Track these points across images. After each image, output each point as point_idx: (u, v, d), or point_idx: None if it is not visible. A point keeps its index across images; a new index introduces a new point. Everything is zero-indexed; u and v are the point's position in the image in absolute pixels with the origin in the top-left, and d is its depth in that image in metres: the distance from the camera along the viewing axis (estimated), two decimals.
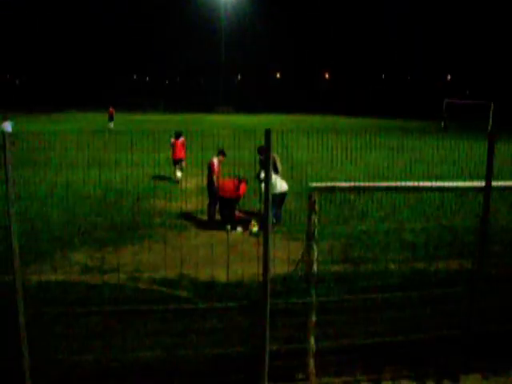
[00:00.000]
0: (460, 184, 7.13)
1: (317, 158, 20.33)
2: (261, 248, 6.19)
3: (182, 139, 21.87)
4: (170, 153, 22.03)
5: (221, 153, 15.39)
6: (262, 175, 14.17)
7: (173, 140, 21.86)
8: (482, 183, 6.85)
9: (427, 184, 6.98)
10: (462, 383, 6.92)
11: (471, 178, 15.58)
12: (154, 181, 20.43)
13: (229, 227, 14.04)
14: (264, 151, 14.83)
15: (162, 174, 21.73)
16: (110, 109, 52.39)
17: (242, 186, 14.50)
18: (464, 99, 64.59)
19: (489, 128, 52.93)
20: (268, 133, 5.97)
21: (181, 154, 21.66)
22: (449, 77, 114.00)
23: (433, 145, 28.42)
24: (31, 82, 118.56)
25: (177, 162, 21.67)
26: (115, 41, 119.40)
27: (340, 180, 18.81)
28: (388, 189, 6.88)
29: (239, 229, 14.09)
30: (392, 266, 10.33)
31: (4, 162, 5.68)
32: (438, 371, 7.07)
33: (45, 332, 7.18)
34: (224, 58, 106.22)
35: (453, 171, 21.49)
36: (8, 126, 29.17)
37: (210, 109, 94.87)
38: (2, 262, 9.92)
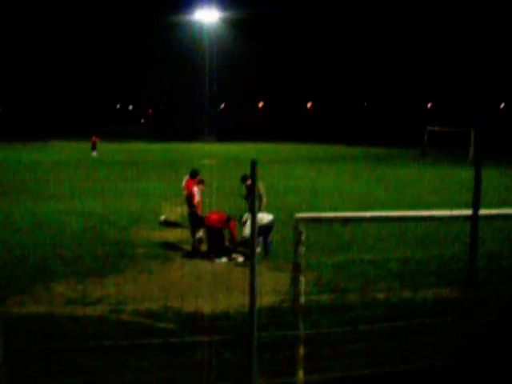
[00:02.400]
0: (446, 213, 7.12)
1: (301, 186, 20.36)
2: (246, 278, 6.10)
3: (197, 179, 15.54)
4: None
5: (200, 182, 15.30)
6: (244, 218, 14.15)
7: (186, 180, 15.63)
8: (469, 211, 6.84)
9: (413, 213, 6.98)
10: None
11: (455, 206, 15.69)
12: (137, 209, 20.20)
13: (216, 258, 13.92)
14: (247, 179, 14.88)
15: (146, 203, 21.55)
16: (93, 138, 52.27)
17: (232, 224, 14.35)
18: (444, 126, 65.17)
19: (470, 155, 53.54)
20: (254, 164, 5.93)
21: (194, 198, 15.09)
22: (429, 105, 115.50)
23: (414, 172, 28.73)
24: (11, 111, 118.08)
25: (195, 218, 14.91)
26: (97, 69, 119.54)
27: (324, 208, 18.85)
28: (373, 219, 6.86)
29: (224, 259, 13.98)
30: (379, 296, 10.27)
31: None
32: None
33: (26, 369, 7.00)
34: (207, 88, 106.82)
35: (436, 199, 21.67)
36: None
37: (193, 137, 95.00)
38: None
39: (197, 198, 14.83)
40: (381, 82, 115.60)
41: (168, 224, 17.66)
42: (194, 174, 15.49)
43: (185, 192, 15.27)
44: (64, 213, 18.46)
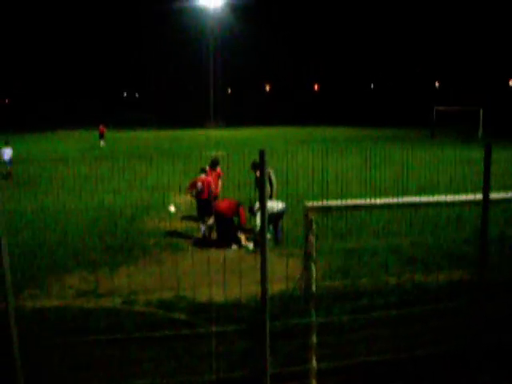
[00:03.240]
0: (457, 198, 7.06)
1: (310, 170, 20.24)
2: (258, 266, 6.09)
3: (218, 170, 16.35)
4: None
5: (203, 171, 15.39)
6: (256, 207, 14.13)
7: (207, 170, 15.78)
8: (479, 196, 6.78)
9: (424, 199, 6.92)
10: None
11: (466, 187, 15.59)
12: (146, 200, 20.21)
13: (226, 246, 13.94)
14: (257, 167, 14.84)
15: (155, 193, 21.56)
16: (101, 127, 52.26)
17: (242, 211, 14.37)
18: (452, 106, 64.73)
19: (479, 134, 53.22)
20: (262, 153, 5.89)
21: (228, 199, 15.56)
22: (437, 84, 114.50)
23: (423, 154, 28.50)
24: (20, 101, 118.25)
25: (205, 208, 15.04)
26: (104, 57, 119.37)
27: (335, 193, 18.79)
28: (384, 206, 6.82)
29: (234, 246, 13.99)
30: (392, 281, 10.25)
31: None
32: None
33: (40, 362, 7.04)
34: (213, 72, 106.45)
35: (446, 181, 21.52)
36: (6, 154, 28.91)
37: (201, 123, 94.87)
38: None
39: (214, 187, 15.01)
40: (387, 61, 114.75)
41: (177, 214, 17.66)
42: (214, 164, 16.08)
43: (199, 182, 15.10)
44: (73, 205, 18.48)
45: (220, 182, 16.51)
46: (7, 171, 28.16)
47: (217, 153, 32.51)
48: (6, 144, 29.57)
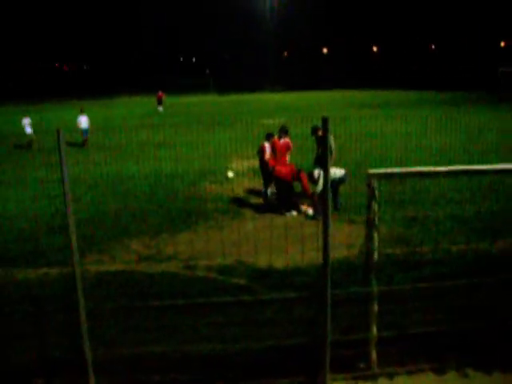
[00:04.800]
0: None
1: (370, 135, 19.93)
2: (318, 232, 6.06)
3: (285, 141, 15.24)
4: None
5: (270, 136, 15.23)
6: (316, 173, 14.00)
7: (274, 139, 15.18)
8: None
9: (490, 167, 6.71)
10: None
11: None
12: (205, 166, 20.27)
13: (286, 211, 13.93)
14: (317, 131, 14.72)
15: (214, 159, 21.61)
16: (159, 93, 52.74)
17: (303, 176, 14.26)
18: None
19: None
20: (325, 120, 5.81)
21: (288, 164, 15.04)
22: (502, 43, 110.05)
23: (489, 119, 27.60)
24: (80, 69, 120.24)
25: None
26: (159, 22, 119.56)
27: (395, 161, 18.49)
28: (449, 173, 6.65)
29: (294, 212, 13.98)
30: (454, 249, 10.04)
31: (60, 160, 5.70)
32: (505, 360, 6.84)
33: (105, 325, 7.24)
34: (272, 35, 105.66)
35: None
36: (83, 122, 29.07)
37: (259, 87, 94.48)
38: (60, 253, 10.15)
39: (268, 155, 14.85)
40: (447, 21, 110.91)
41: (236, 179, 17.73)
42: (284, 132, 15.29)
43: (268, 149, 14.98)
44: (133, 171, 18.77)
45: (288, 153, 15.38)
46: (83, 139, 28.56)
47: (274, 120, 32.39)
48: (82, 112, 29.56)
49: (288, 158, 15.40)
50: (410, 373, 6.63)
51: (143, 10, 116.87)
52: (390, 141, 18.31)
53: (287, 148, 15.18)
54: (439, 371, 6.67)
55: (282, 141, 15.08)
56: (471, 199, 13.84)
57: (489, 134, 22.09)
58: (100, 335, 6.75)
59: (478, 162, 17.17)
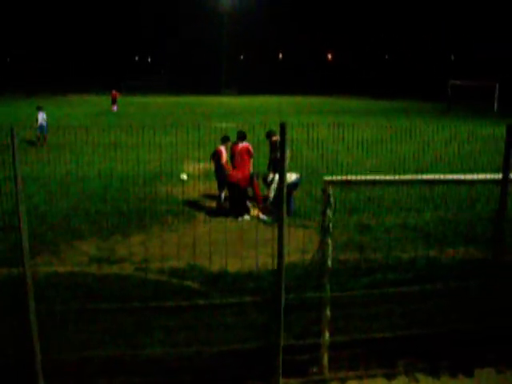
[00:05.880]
0: (476, 176, 7.01)
1: (324, 141, 20.06)
2: (272, 236, 6.09)
3: (244, 145, 14.85)
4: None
5: (226, 140, 15.19)
6: (270, 178, 14.11)
7: (233, 144, 15.06)
8: (499, 176, 6.73)
9: (442, 177, 6.87)
10: (476, 377, 6.86)
11: (481, 167, 15.45)
12: (158, 168, 20.05)
13: (237, 216, 13.95)
14: (272, 135, 14.78)
15: (167, 161, 21.42)
16: (113, 92, 52.22)
17: (256, 183, 14.34)
18: (468, 79, 63.96)
19: (494, 109, 52.67)
20: (283, 126, 5.85)
21: (244, 169, 14.56)
22: (452, 57, 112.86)
23: (438, 129, 28.14)
24: (32, 66, 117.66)
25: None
26: (114, 22, 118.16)
27: (348, 168, 18.70)
28: (403, 182, 6.78)
29: (246, 216, 14.01)
30: (405, 256, 10.23)
31: (12, 158, 5.59)
32: (453, 364, 7.01)
33: (54, 328, 7.10)
34: (227, 37, 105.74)
35: (461, 157, 21.36)
36: (40, 119, 28.20)
37: (214, 90, 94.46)
38: (9, 254, 9.90)
39: (224, 158, 14.80)
40: (402, 32, 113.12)
41: (189, 182, 17.65)
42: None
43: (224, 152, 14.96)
44: (86, 172, 18.46)
45: (249, 158, 14.82)
46: (37, 136, 27.78)
47: (227, 124, 32.41)
48: (39, 109, 28.76)
49: (251, 162, 14.88)
50: (360, 377, 6.73)
51: (98, 9, 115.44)
52: (342, 148, 18.44)
53: (247, 152, 14.69)
54: (390, 376, 6.78)
55: (241, 145, 14.74)
56: (423, 208, 14.12)
57: (437, 144, 22.52)
58: (50, 338, 6.62)
59: (429, 172, 17.58)
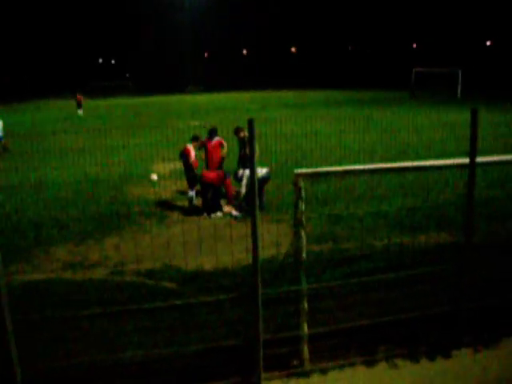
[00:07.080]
0: (444, 162, 7.11)
1: (291, 133, 20.15)
2: (245, 232, 6.11)
3: (217, 140, 14.93)
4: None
5: (195, 139, 15.13)
6: (240, 174, 14.15)
7: (205, 141, 14.99)
8: (466, 160, 6.83)
9: (410, 164, 6.96)
10: (453, 358, 6.96)
11: (447, 153, 15.64)
12: (128, 170, 19.94)
13: (210, 213, 13.95)
14: (240, 131, 14.83)
15: (136, 162, 21.33)
16: (78, 96, 51.69)
17: (228, 181, 14.35)
18: (431, 67, 64.71)
19: (458, 95, 53.39)
20: (251, 122, 5.86)
21: (217, 166, 14.76)
22: (414, 45, 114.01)
23: (403, 116, 28.48)
24: None
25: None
26: (77, 24, 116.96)
27: (318, 160, 18.82)
28: (373, 171, 6.84)
29: (219, 213, 14.01)
30: (378, 244, 10.33)
31: None
32: (431, 348, 7.12)
33: (31, 337, 7.02)
34: (191, 35, 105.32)
35: (427, 144, 21.63)
36: None
37: (179, 89, 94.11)
38: None
39: (192, 157, 14.73)
40: (364, 23, 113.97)
41: (159, 182, 17.58)
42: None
43: (193, 151, 14.88)
44: (55, 177, 18.26)
45: (221, 153, 14.92)
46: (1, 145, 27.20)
47: (195, 122, 32.34)
48: None
49: (224, 152, 14.94)
50: (341, 367, 6.78)
51: (60, 12, 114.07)
52: (311, 140, 18.54)
53: (220, 145, 14.84)
54: (370, 363, 6.85)
55: (214, 141, 14.74)
56: (393, 196, 14.26)
57: (403, 132, 22.76)
58: (27, 348, 6.54)
59: (397, 160, 17.76)
